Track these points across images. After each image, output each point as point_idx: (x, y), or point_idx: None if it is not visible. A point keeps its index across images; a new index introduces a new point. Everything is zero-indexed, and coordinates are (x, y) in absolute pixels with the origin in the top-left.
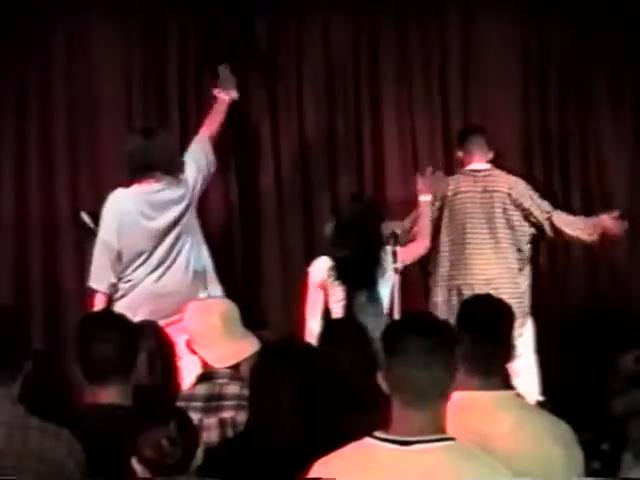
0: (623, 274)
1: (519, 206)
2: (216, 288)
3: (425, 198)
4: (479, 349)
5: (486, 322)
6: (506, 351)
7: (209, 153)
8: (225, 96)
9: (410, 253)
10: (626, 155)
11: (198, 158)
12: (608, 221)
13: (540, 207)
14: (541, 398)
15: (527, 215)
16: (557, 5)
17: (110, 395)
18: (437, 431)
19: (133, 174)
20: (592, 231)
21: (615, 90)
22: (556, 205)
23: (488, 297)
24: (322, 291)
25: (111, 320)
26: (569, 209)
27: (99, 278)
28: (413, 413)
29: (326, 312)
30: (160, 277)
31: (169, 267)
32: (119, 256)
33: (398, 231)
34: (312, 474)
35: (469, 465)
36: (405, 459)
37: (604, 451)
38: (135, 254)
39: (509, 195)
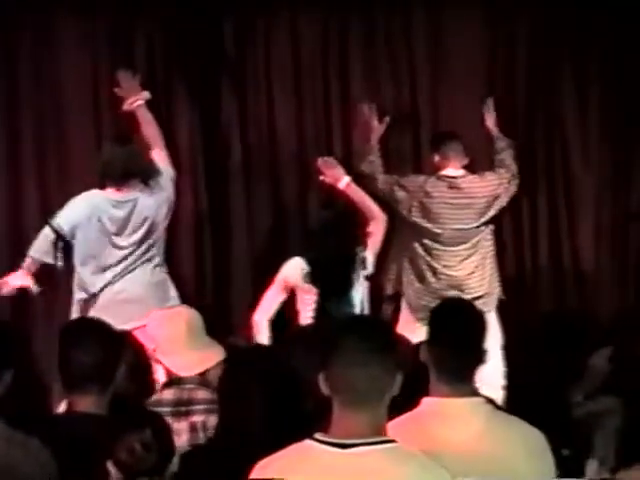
0: (590, 282)
1: (496, 199)
2: (175, 297)
3: (344, 182)
4: (449, 356)
5: (456, 330)
6: (477, 358)
7: (168, 167)
8: (138, 102)
9: (375, 238)
10: (592, 151)
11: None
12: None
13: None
14: (504, 382)
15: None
16: (524, 3)
17: (87, 404)
18: (376, 433)
19: (110, 182)
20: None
21: (581, 91)
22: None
23: (459, 303)
24: (285, 294)
25: (94, 328)
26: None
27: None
28: (352, 415)
29: (294, 315)
30: (123, 284)
31: (132, 273)
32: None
33: (366, 255)
34: (253, 476)
35: (408, 468)
36: (343, 462)
37: (565, 457)
38: (90, 256)
39: (486, 198)
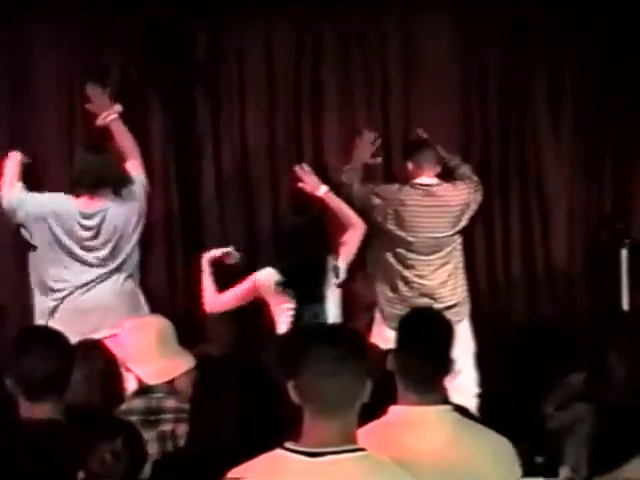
0: (563, 289)
1: (468, 207)
2: (145, 307)
3: (322, 190)
4: (416, 365)
5: (424, 338)
6: (444, 366)
7: (142, 176)
8: (112, 117)
9: (350, 246)
10: (564, 156)
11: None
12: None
13: (476, 200)
14: (478, 390)
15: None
16: (495, 3)
17: (44, 411)
18: (347, 441)
19: (82, 191)
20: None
21: (553, 90)
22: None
23: (426, 312)
24: (249, 299)
25: (47, 336)
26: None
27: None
28: (322, 423)
29: (270, 323)
30: (94, 293)
31: (103, 283)
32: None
33: (339, 264)
34: None
35: (378, 476)
36: (314, 471)
37: (539, 464)
38: (55, 260)
39: (460, 207)
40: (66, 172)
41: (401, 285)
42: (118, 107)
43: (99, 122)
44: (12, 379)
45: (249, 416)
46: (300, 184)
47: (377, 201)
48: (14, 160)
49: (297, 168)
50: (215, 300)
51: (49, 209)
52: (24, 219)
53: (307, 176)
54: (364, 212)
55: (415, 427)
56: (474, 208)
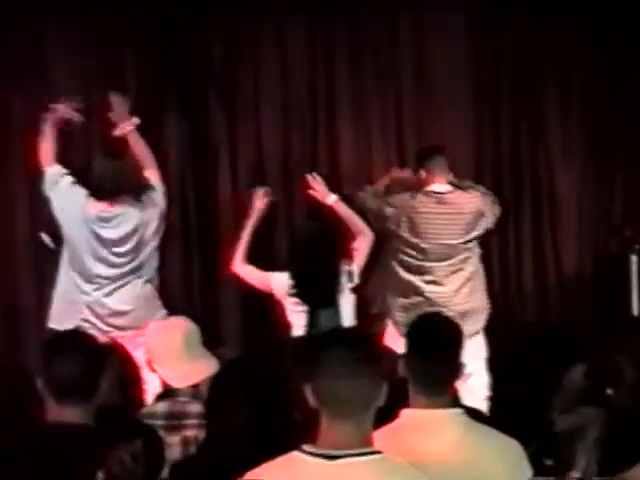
0: (573, 295)
1: (482, 219)
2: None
3: (332, 198)
4: (427, 369)
5: (433, 343)
6: (454, 370)
7: (159, 183)
8: (129, 128)
9: (361, 253)
10: (576, 169)
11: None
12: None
13: (494, 213)
14: (489, 393)
15: (485, 227)
16: (507, 22)
17: (73, 414)
18: (363, 444)
19: (102, 197)
20: None
21: (565, 105)
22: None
23: (436, 317)
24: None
25: (77, 340)
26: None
27: None
28: (339, 426)
29: (284, 327)
30: (113, 297)
31: (123, 287)
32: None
33: (352, 268)
34: None
35: (394, 478)
36: (330, 473)
37: (549, 467)
38: (79, 261)
39: (472, 214)
40: (84, 177)
41: (414, 292)
42: (136, 120)
43: (117, 132)
44: (42, 382)
45: (264, 419)
46: (310, 192)
47: (390, 210)
48: (49, 135)
49: (308, 177)
50: (241, 266)
51: (74, 208)
52: (55, 208)
53: (317, 185)
54: (377, 223)
55: (425, 430)
56: (490, 220)
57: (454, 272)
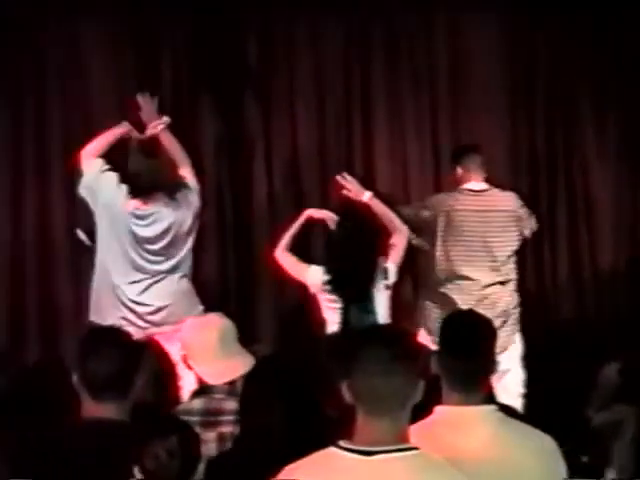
0: (609, 294)
1: (518, 221)
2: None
3: (367, 195)
4: (460, 366)
5: (466, 339)
6: (487, 367)
7: (194, 181)
8: (161, 126)
9: (397, 250)
10: (610, 169)
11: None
12: None
13: (530, 226)
14: (524, 390)
15: (520, 231)
16: (542, 23)
17: (108, 411)
18: (400, 440)
19: (136, 194)
20: None
21: (600, 106)
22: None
23: (469, 313)
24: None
25: (113, 336)
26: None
27: None
28: (375, 422)
29: (319, 323)
30: (150, 294)
31: (160, 283)
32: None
33: (388, 265)
34: None
35: (431, 475)
36: (367, 469)
37: (584, 464)
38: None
39: (508, 213)
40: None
41: (457, 289)
42: (167, 118)
43: (148, 132)
44: (77, 378)
45: (298, 415)
46: (344, 192)
47: (427, 213)
48: (113, 133)
49: (339, 178)
50: (283, 254)
51: (116, 202)
52: (93, 203)
53: (350, 184)
54: (417, 231)
55: (459, 427)
56: (527, 231)
57: (493, 270)
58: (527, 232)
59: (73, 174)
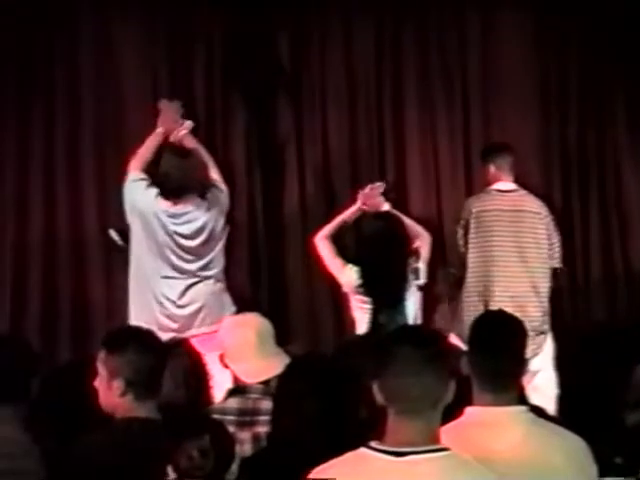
0: None
1: (546, 225)
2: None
3: (385, 207)
4: (490, 366)
5: (497, 339)
6: (518, 367)
7: (222, 182)
8: (183, 132)
9: (426, 249)
10: None
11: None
12: None
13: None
14: (557, 391)
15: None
16: (575, 22)
17: (140, 409)
18: (431, 441)
19: (167, 194)
20: None
21: (633, 106)
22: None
23: (499, 313)
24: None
25: (139, 337)
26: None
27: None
28: (406, 423)
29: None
30: (185, 296)
31: (195, 286)
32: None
33: (418, 265)
34: None
35: (461, 476)
36: (398, 470)
37: (618, 465)
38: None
39: (538, 215)
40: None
41: (489, 289)
42: (189, 123)
43: (172, 138)
44: None
45: (331, 415)
46: (362, 207)
47: (461, 223)
48: (153, 145)
49: (360, 193)
50: (323, 241)
51: (147, 205)
52: (129, 209)
53: (369, 198)
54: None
55: (490, 428)
56: (555, 239)
57: (526, 271)
58: (555, 237)
59: (105, 175)
